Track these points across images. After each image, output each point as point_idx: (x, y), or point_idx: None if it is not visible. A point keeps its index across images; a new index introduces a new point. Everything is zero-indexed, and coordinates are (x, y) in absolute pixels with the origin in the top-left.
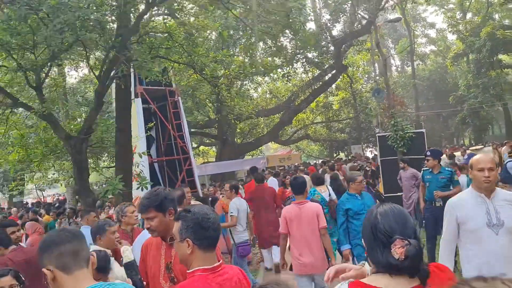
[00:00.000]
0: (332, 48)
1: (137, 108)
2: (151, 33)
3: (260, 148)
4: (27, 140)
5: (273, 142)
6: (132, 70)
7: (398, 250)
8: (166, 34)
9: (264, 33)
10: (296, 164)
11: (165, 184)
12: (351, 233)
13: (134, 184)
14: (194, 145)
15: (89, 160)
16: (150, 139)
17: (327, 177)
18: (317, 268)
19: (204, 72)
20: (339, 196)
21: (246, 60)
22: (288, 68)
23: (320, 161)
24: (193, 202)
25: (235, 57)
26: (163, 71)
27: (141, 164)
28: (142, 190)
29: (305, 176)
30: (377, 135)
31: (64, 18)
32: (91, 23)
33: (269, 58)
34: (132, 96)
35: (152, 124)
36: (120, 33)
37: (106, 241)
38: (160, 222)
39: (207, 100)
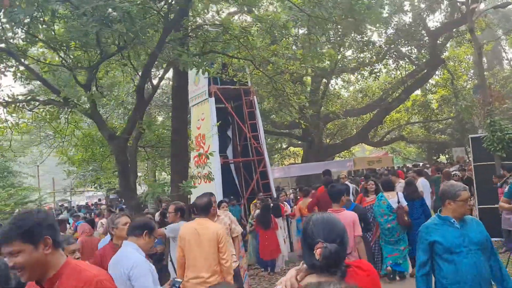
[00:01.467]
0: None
1: (210, 107)
2: (204, 26)
3: (352, 149)
4: (88, 140)
5: (363, 144)
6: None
7: (317, 252)
8: (221, 28)
9: (323, 20)
10: (386, 167)
11: (241, 186)
12: (438, 282)
13: (206, 185)
14: (284, 146)
15: (159, 161)
16: (226, 140)
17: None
18: None
19: (267, 67)
20: (410, 204)
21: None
22: (378, 65)
23: (411, 165)
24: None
25: (298, 50)
26: (223, 67)
27: (207, 166)
28: (187, 196)
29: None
30: (469, 136)
31: (87, 9)
32: (116, 14)
33: (361, 54)
34: (206, 96)
35: (219, 123)
36: (168, 27)
37: None
38: (29, 258)
39: (291, 100)
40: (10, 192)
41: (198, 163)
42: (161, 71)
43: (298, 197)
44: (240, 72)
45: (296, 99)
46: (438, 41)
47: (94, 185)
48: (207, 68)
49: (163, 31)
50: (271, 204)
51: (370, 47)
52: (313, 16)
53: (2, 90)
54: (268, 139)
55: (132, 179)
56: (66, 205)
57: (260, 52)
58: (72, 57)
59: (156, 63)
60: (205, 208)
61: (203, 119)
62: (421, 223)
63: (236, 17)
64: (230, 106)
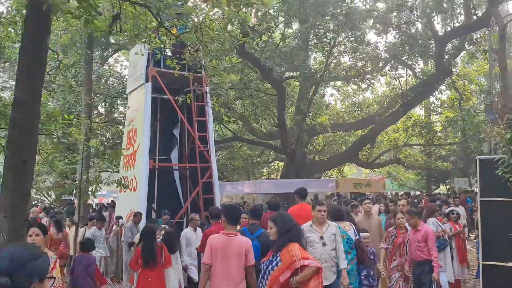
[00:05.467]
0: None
1: (145, 95)
2: None
3: (341, 169)
4: None
5: (359, 167)
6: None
7: None
8: None
9: None
10: (380, 192)
11: (185, 198)
12: None
13: (131, 193)
14: (271, 159)
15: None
16: (172, 140)
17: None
18: None
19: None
20: None
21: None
22: (375, 76)
23: (403, 192)
24: None
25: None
26: (114, 20)
27: (125, 170)
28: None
29: None
30: (477, 158)
31: None
32: None
33: (358, 63)
34: (143, 80)
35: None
36: None
37: None
38: None
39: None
40: None
41: (126, 165)
42: None
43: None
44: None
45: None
46: (446, 49)
47: None
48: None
49: None
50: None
51: (365, 48)
52: None
53: None
54: (253, 151)
55: None
56: None
57: None
58: None
59: None
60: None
61: (138, 109)
62: None
63: None
64: (171, 97)
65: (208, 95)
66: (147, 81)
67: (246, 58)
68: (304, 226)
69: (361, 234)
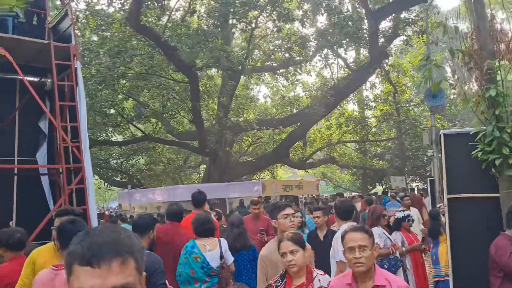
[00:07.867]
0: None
1: None
2: None
3: (275, 171)
4: None
5: (289, 167)
6: None
7: None
8: None
9: None
10: (312, 195)
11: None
12: None
13: None
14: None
15: None
16: (39, 136)
17: None
18: None
19: None
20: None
21: None
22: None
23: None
24: None
25: None
26: None
27: None
28: None
29: None
30: (442, 133)
31: None
32: None
33: (286, 54)
34: None
35: None
36: None
37: None
38: None
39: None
40: None
41: None
42: None
43: None
44: None
45: None
46: (380, 31)
47: None
48: None
49: None
50: None
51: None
52: None
53: None
54: (177, 154)
55: None
56: None
57: None
58: None
59: None
60: None
61: None
62: None
63: None
64: (24, 77)
65: (79, 72)
66: None
67: (140, 32)
68: None
69: None
